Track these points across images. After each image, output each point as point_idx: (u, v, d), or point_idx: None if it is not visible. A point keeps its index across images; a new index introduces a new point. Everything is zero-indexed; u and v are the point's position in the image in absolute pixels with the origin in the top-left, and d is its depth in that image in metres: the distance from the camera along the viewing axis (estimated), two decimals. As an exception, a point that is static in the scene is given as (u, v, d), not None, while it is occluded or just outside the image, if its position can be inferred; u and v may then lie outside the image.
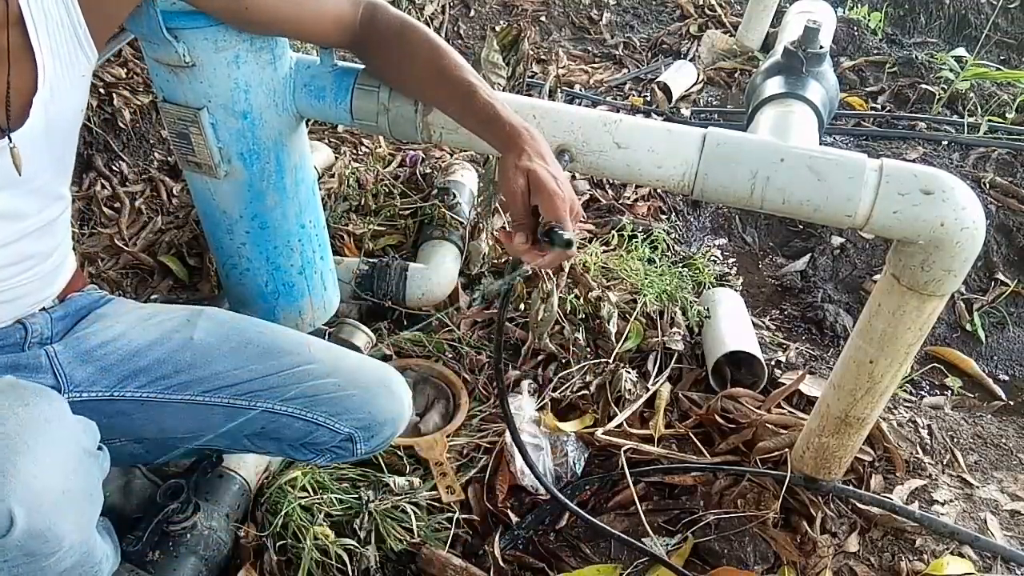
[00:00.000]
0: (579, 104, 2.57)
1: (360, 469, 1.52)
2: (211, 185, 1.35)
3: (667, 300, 1.94)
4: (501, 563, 1.41)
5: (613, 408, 1.71)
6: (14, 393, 0.90)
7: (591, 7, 3.56)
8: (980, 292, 2.32)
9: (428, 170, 2.22)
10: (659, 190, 2.40)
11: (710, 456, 1.61)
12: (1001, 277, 2.32)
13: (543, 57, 3.25)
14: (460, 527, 1.49)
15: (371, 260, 1.88)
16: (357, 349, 1.67)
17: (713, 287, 2.08)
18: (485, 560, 1.44)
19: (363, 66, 1.28)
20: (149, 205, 2.08)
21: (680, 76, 2.97)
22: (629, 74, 3.16)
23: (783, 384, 1.76)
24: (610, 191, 2.42)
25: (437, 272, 1.88)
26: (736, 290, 2.09)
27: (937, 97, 2.86)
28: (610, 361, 1.80)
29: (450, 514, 1.49)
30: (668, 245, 2.18)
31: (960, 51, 3.02)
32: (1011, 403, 2.05)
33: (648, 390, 1.76)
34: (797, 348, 1.97)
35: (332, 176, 2.23)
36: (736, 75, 3.13)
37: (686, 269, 2.10)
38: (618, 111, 2.72)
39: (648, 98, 2.94)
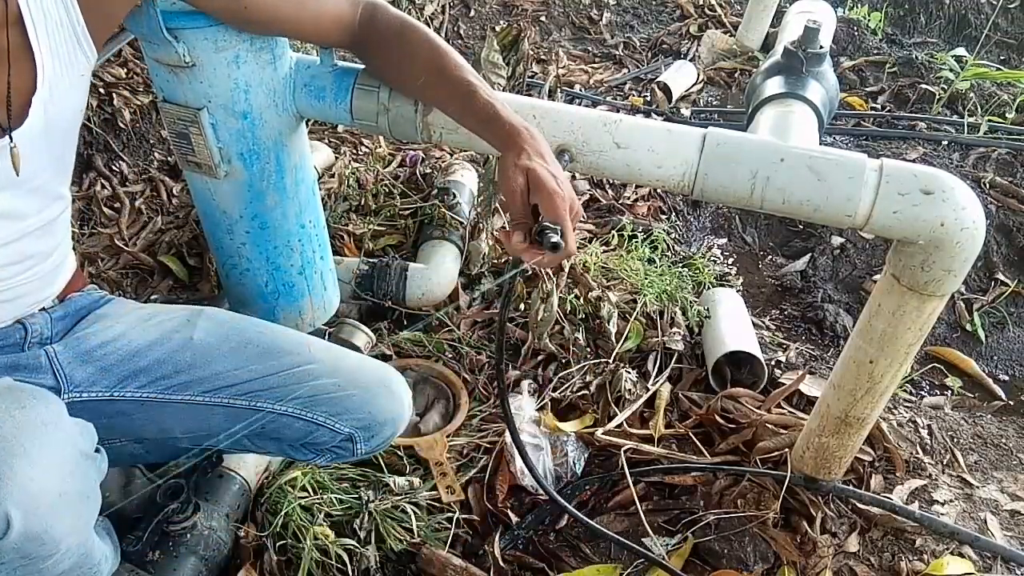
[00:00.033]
0: (579, 104, 2.57)
1: (360, 469, 1.52)
2: (211, 185, 1.35)
3: (667, 300, 1.94)
4: (501, 563, 1.41)
5: (613, 408, 1.71)
6: (11, 396, 0.90)
7: (591, 7, 3.56)
8: (980, 292, 2.32)
9: (428, 170, 2.22)
10: (659, 190, 2.40)
11: (710, 456, 1.61)
12: (1001, 277, 2.32)
13: (543, 57, 3.25)
14: (460, 527, 1.49)
15: (371, 260, 1.88)
16: (357, 349, 1.67)
17: (713, 287, 2.08)
18: (485, 560, 1.44)
19: (363, 66, 1.28)
20: (149, 205, 2.08)
21: (680, 76, 2.97)
22: (629, 74, 3.16)
23: (783, 384, 1.76)
24: (610, 191, 2.42)
25: (437, 272, 1.88)
26: (736, 290, 2.09)
27: (937, 97, 2.86)
28: (610, 361, 1.80)
29: (450, 514, 1.49)
30: (668, 245, 2.18)
31: (960, 51, 3.02)
32: (1011, 403, 2.05)
33: (648, 390, 1.76)
34: (797, 348, 1.97)
35: (332, 176, 2.23)
36: (736, 75, 3.13)
37: (686, 269, 2.10)
38: (618, 111, 2.72)
39: (648, 98, 2.94)
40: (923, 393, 2.01)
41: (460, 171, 2.17)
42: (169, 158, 2.20)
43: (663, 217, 2.38)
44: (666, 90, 2.90)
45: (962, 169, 2.53)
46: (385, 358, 1.76)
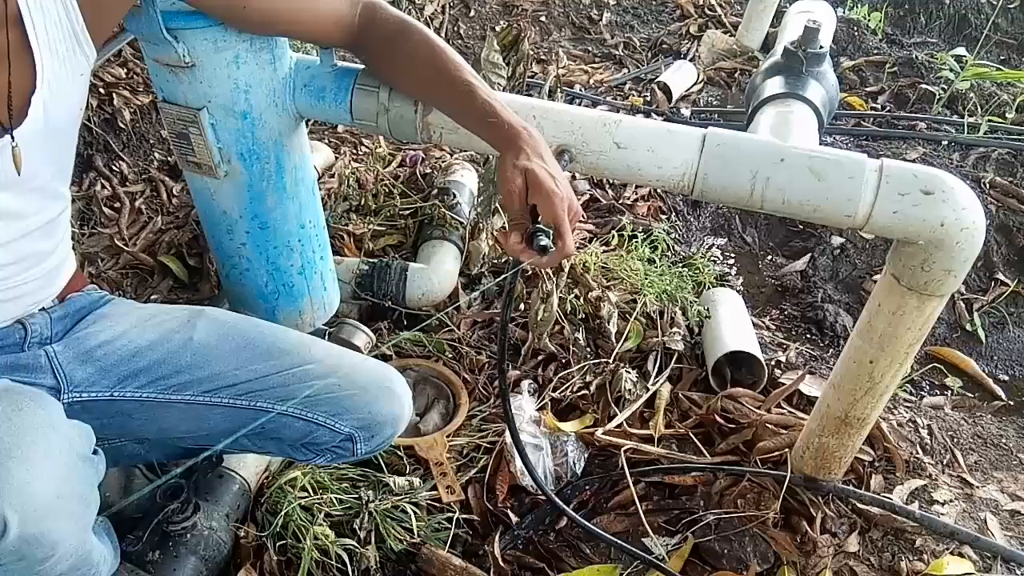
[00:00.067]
0: (579, 104, 2.57)
1: (360, 469, 1.52)
2: (211, 185, 1.35)
3: (667, 300, 1.94)
4: (501, 563, 1.41)
5: (613, 408, 1.71)
6: (7, 398, 0.90)
7: (591, 7, 3.56)
8: (980, 292, 2.32)
9: (428, 170, 2.22)
10: (659, 190, 2.40)
11: (710, 456, 1.61)
12: (1001, 277, 2.32)
13: (543, 57, 3.25)
14: (460, 527, 1.49)
15: (371, 260, 1.88)
16: (357, 349, 1.67)
17: (713, 287, 2.08)
18: (485, 560, 1.44)
19: (363, 66, 1.28)
20: (149, 205, 2.08)
21: (680, 76, 2.97)
22: (629, 74, 3.16)
23: (783, 384, 1.76)
24: (610, 191, 2.42)
25: (437, 272, 1.88)
26: (736, 290, 2.09)
27: (937, 97, 2.86)
28: (610, 361, 1.80)
29: (450, 514, 1.49)
30: (668, 245, 2.18)
31: (960, 51, 3.02)
32: (1011, 403, 2.04)
33: (648, 390, 1.76)
34: (797, 348, 1.97)
35: (332, 176, 2.23)
36: (736, 75, 3.12)
37: (686, 269, 2.10)
38: (618, 111, 2.72)
39: (648, 98, 2.94)
40: (923, 393, 2.01)
41: (460, 171, 2.17)
42: (169, 158, 2.20)
43: (663, 217, 2.38)
44: (666, 90, 2.90)
45: (962, 169, 2.53)
46: (385, 358, 1.76)
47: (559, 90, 2.74)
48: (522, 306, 1.92)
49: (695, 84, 3.04)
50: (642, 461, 1.61)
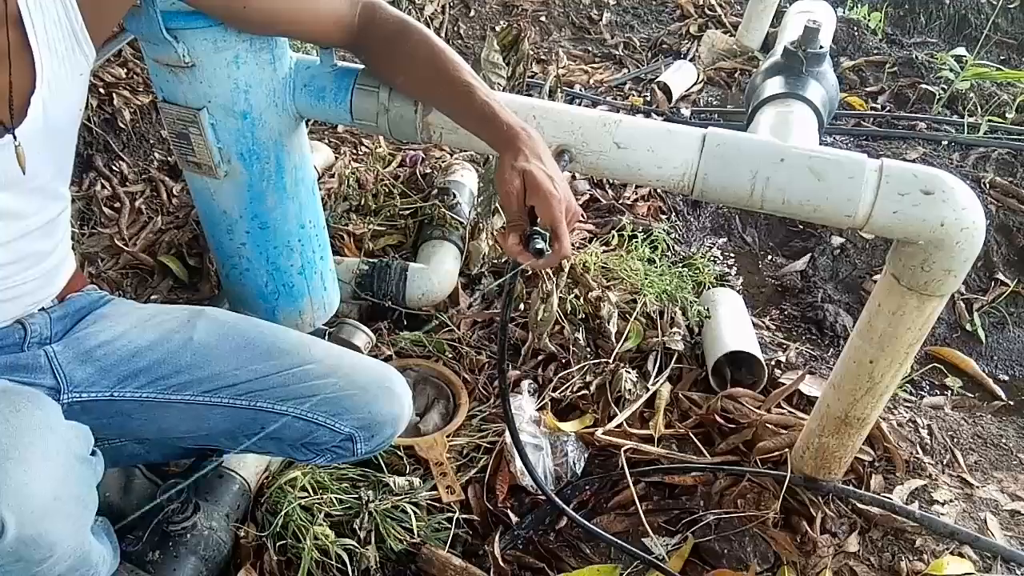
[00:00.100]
0: (579, 104, 2.57)
1: (360, 469, 1.52)
2: (211, 185, 1.35)
3: (667, 300, 1.94)
4: (501, 563, 1.41)
5: (613, 408, 1.71)
6: (5, 399, 0.90)
7: (591, 7, 3.56)
8: (980, 292, 2.32)
9: (428, 170, 2.22)
10: (659, 190, 2.40)
11: (710, 456, 1.61)
12: (1001, 277, 2.32)
13: (543, 57, 3.25)
14: (460, 527, 1.49)
15: (371, 260, 1.88)
16: (357, 349, 1.67)
17: (713, 287, 2.08)
18: (485, 560, 1.44)
19: (363, 66, 1.28)
20: (149, 205, 2.08)
21: (680, 76, 2.97)
22: (629, 74, 3.16)
23: (783, 384, 1.76)
24: (610, 191, 2.42)
25: (437, 272, 1.88)
26: (736, 290, 2.09)
27: (937, 97, 2.86)
28: (610, 361, 1.80)
29: (450, 514, 1.49)
30: (668, 245, 2.18)
31: (960, 51, 3.02)
32: (1011, 403, 2.04)
33: (648, 390, 1.76)
34: (797, 348, 1.97)
35: (332, 176, 2.23)
36: (736, 75, 3.12)
37: (686, 269, 2.10)
38: (618, 111, 2.72)
39: (648, 98, 2.94)
40: (923, 393, 2.01)
41: (460, 171, 2.17)
42: (169, 158, 2.20)
43: (663, 217, 2.38)
44: (666, 90, 2.90)
45: (962, 169, 2.53)
46: (385, 358, 1.76)
47: (559, 90, 2.74)
48: (522, 306, 1.92)
49: (695, 84, 3.04)
50: (642, 461, 1.61)
